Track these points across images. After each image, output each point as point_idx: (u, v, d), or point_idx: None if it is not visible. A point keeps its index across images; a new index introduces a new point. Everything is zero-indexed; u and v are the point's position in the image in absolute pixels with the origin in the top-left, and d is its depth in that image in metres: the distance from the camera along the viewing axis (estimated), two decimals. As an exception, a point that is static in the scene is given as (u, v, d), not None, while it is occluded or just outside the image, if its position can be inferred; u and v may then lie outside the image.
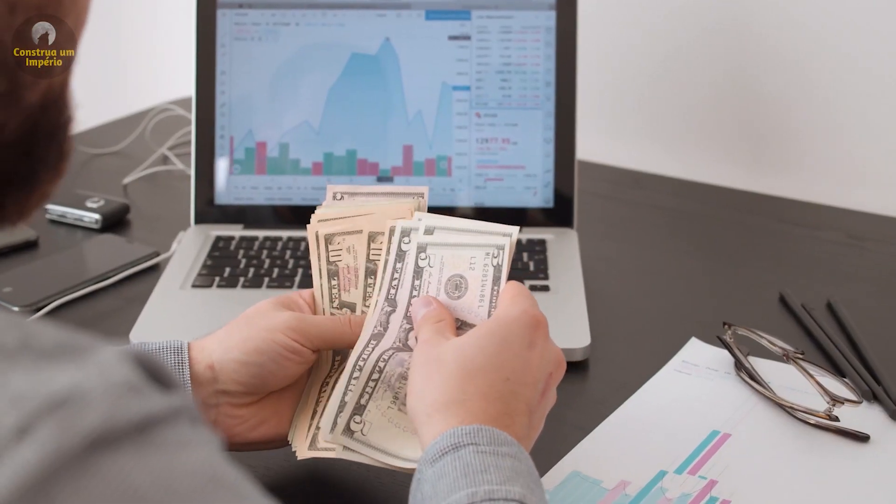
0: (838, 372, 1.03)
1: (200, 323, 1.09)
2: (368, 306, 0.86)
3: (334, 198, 0.91)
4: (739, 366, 1.03)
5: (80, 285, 1.20)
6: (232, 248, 1.26)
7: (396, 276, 0.84)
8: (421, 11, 1.32)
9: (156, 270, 1.25)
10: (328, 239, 0.89)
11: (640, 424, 0.97)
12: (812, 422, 0.95)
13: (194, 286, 1.19)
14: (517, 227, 0.82)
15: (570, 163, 1.31)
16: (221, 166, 1.32)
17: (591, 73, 1.44)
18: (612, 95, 1.61)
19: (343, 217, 0.89)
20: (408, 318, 0.83)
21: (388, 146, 1.32)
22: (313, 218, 0.89)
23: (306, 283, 1.19)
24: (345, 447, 0.78)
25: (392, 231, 0.85)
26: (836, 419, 0.93)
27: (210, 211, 1.32)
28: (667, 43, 1.56)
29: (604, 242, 1.34)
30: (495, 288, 0.80)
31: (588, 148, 1.42)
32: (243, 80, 1.32)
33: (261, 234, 1.29)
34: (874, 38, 1.43)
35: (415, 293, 0.83)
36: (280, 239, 1.28)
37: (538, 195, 1.31)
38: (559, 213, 1.31)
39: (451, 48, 1.32)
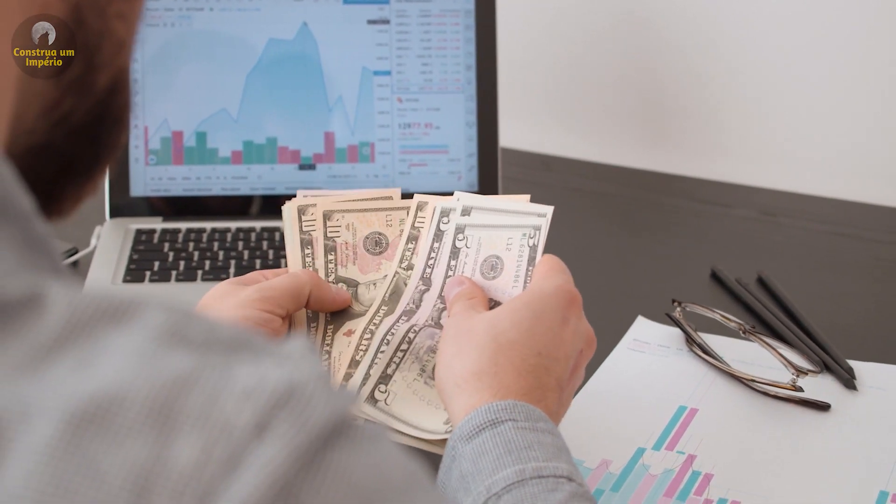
0: (786, 344, 1.05)
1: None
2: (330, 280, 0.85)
3: None
4: (692, 342, 1.05)
5: (0, 285, 1.14)
6: (155, 241, 1.22)
7: (433, 255, 0.83)
8: (339, -5, 1.29)
9: (76, 267, 1.20)
10: (327, 216, 0.86)
11: (607, 403, 0.98)
12: (773, 393, 0.97)
13: (125, 281, 1.14)
14: (552, 207, 0.81)
15: (493, 146, 1.31)
16: (136, 157, 1.27)
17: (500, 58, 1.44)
18: (518, 80, 1.62)
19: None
20: (442, 297, 0.82)
21: (310, 133, 1.29)
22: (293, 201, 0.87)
23: (240, 273, 1.15)
24: (366, 418, 0.76)
25: (433, 210, 0.84)
26: (801, 390, 0.95)
27: (126, 204, 1.27)
28: (578, 29, 1.57)
29: (527, 225, 1.34)
30: (530, 268, 0.80)
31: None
32: (156, 68, 1.27)
33: (182, 226, 1.25)
34: (776, 24, 1.46)
35: (450, 273, 0.82)
36: (204, 230, 1.24)
37: (463, 179, 1.31)
38: (485, 197, 1.30)
39: (370, 32, 1.30)
